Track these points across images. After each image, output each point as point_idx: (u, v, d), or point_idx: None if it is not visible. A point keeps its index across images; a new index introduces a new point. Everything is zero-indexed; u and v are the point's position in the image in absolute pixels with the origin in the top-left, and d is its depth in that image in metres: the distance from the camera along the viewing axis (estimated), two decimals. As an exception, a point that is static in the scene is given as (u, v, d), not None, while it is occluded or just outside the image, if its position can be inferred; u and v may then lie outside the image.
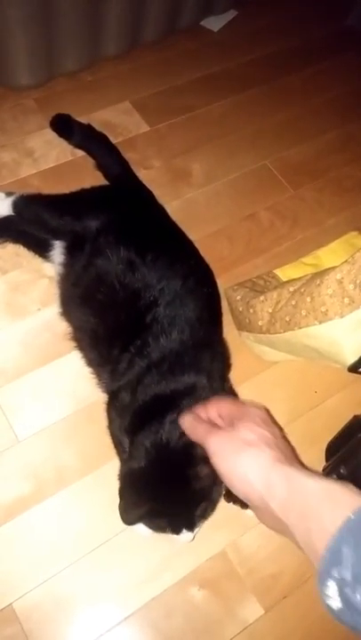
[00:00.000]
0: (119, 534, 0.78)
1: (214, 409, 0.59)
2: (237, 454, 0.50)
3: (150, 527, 0.69)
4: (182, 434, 0.64)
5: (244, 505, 0.75)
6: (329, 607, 0.39)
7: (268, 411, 0.57)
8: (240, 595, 0.78)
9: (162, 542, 0.77)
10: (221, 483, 0.64)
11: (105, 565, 0.77)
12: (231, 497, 0.76)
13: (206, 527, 0.76)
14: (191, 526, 0.68)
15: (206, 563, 0.79)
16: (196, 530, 0.70)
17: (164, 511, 0.67)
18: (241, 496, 0.50)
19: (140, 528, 0.73)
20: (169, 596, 0.77)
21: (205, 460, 0.61)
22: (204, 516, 0.69)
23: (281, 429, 0.61)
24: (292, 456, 0.51)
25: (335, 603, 0.39)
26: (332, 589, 0.39)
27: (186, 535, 0.68)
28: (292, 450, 0.55)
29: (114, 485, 0.71)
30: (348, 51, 1.43)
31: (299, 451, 0.86)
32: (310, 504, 0.43)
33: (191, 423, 0.59)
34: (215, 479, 0.66)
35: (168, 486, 0.67)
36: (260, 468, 0.48)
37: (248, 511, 0.73)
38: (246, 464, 0.49)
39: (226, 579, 0.79)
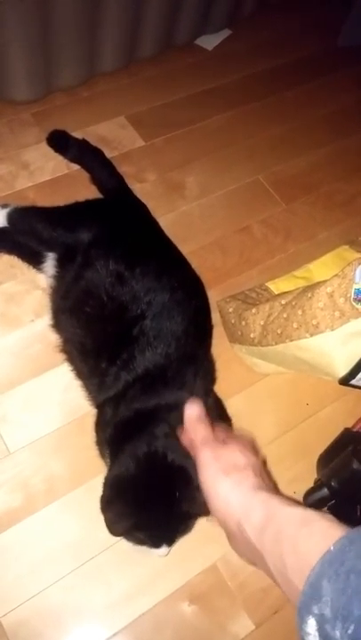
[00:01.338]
0: (109, 548, 0.77)
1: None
2: (223, 476, 0.50)
3: (129, 539, 0.68)
4: (178, 449, 0.63)
5: None
6: None
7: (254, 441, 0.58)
8: (231, 609, 0.77)
9: (151, 557, 0.77)
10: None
11: (94, 580, 0.76)
12: None
13: (197, 541, 0.76)
14: (171, 542, 0.68)
15: (197, 577, 0.78)
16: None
17: (148, 525, 0.66)
18: (218, 517, 0.50)
19: (160, 551, 0.73)
20: (159, 610, 0.76)
21: (190, 480, 0.62)
22: (185, 532, 0.69)
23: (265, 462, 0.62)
24: (273, 487, 0.51)
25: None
26: (311, 626, 0.37)
27: (163, 550, 0.67)
28: (274, 482, 0.55)
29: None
30: (339, 69, 1.46)
31: (291, 463, 0.87)
32: (287, 530, 0.43)
33: (195, 422, 0.57)
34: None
35: (158, 502, 0.66)
36: (242, 493, 0.48)
37: None
38: (229, 487, 0.49)
39: (216, 593, 0.78)
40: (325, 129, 1.33)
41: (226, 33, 1.44)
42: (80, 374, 0.84)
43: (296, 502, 0.47)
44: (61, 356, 0.88)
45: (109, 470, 0.71)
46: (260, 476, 0.50)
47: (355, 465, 0.71)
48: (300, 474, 0.85)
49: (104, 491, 0.68)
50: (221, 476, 0.50)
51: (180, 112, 1.27)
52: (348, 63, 1.47)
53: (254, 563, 0.47)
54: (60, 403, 0.87)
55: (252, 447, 0.55)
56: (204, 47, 1.40)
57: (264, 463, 0.57)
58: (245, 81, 1.37)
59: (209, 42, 1.41)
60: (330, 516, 0.42)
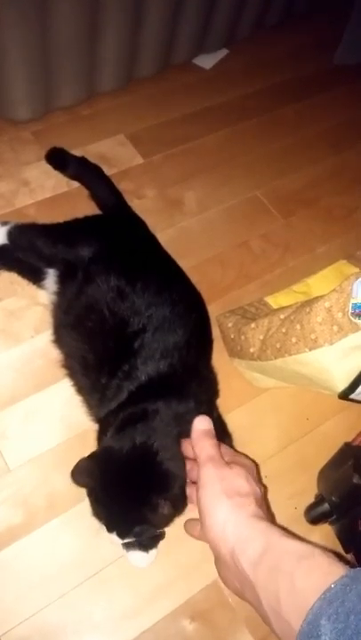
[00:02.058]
0: (110, 564, 0.77)
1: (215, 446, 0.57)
2: (225, 498, 0.48)
3: (91, 507, 0.68)
4: (171, 454, 0.64)
5: None
6: None
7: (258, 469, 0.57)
8: (232, 626, 0.76)
9: (153, 573, 0.77)
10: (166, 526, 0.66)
11: (95, 597, 0.76)
12: None
13: (198, 558, 0.76)
14: (122, 536, 0.66)
15: (198, 594, 0.78)
16: (150, 554, 0.73)
17: (106, 505, 0.66)
18: (210, 540, 0.48)
19: (133, 556, 0.74)
20: (160, 628, 0.75)
21: (175, 500, 0.62)
22: (139, 536, 0.67)
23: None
24: (271, 519, 0.51)
25: None
26: None
27: (115, 538, 0.66)
28: (272, 514, 0.54)
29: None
30: (336, 86, 1.48)
31: (292, 477, 0.87)
32: (285, 565, 0.41)
33: (203, 437, 0.56)
34: (168, 522, 0.65)
35: (126, 490, 0.65)
36: (241, 520, 0.47)
37: None
38: (228, 510, 0.48)
39: (218, 610, 0.77)
40: (323, 145, 1.35)
41: (223, 52, 1.46)
42: (81, 389, 0.84)
43: (296, 536, 0.46)
44: (62, 372, 0.88)
45: (107, 438, 0.71)
46: (261, 505, 0.49)
47: (355, 479, 0.71)
48: (302, 488, 0.85)
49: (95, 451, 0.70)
50: (223, 497, 0.48)
51: (178, 130, 1.28)
52: (344, 81, 1.50)
53: (241, 593, 0.46)
54: (61, 418, 0.87)
55: (255, 474, 0.54)
56: (202, 66, 1.43)
57: (265, 493, 0.55)
58: (243, 99, 1.39)
59: (207, 61, 1.43)
60: (330, 553, 0.41)
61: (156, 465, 0.65)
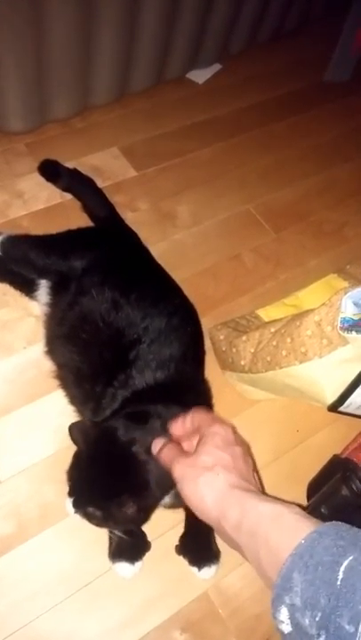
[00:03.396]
0: (102, 575, 0.77)
1: (189, 419, 0.61)
2: (196, 480, 0.52)
3: (69, 466, 0.69)
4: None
5: (192, 561, 0.77)
6: (281, 631, 0.41)
7: (233, 427, 0.59)
8: (223, 637, 0.77)
9: (144, 585, 0.77)
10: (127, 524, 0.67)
11: (86, 609, 0.76)
12: (181, 551, 0.77)
13: (189, 569, 0.77)
14: (77, 506, 0.66)
15: (188, 605, 0.78)
16: (136, 565, 0.74)
17: (83, 472, 0.66)
18: (203, 519, 0.52)
19: (118, 567, 0.74)
20: (151, 639, 0.75)
21: (142, 508, 0.64)
22: (90, 518, 0.66)
23: (248, 446, 0.63)
24: (249, 477, 0.53)
25: (286, 627, 0.40)
26: (283, 614, 0.40)
27: (68, 503, 0.66)
28: (253, 468, 0.57)
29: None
30: (326, 102, 1.51)
31: (283, 489, 0.87)
32: (259, 526, 0.46)
33: (162, 447, 0.61)
34: (125, 524, 0.66)
35: (107, 473, 0.65)
36: (215, 493, 0.51)
37: (200, 572, 0.76)
38: (203, 489, 0.51)
39: (208, 622, 0.78)
40: (313, 160, 1.37)
41: (216, 67, 1.49)
42: (75, 399, 0.85)
43: (270, 496, 0.50)
44: (55, 383, 0.88)
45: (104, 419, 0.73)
46: (232, 470, 0.52)
47: (344, 491, 0.72)
48: (294, 499, 0.83)
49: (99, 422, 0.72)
50: (193, 482, 0.53)
51: (171, 143, 1.30)
52: (334, 97, 1.53)
53: (240, 552, 0.50)
54: (54, 429, 0.87)
55: (224, 440, 0.56)
56: (194, 81, 1.45)
57: (246, 447, 0.58)
58: (235, 114, 1.42)
59: (200, 76, 1.46)
60: (298, 509, 0.46)
61: (142, 469, 0.65)
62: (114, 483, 0.65)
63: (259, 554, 0.45)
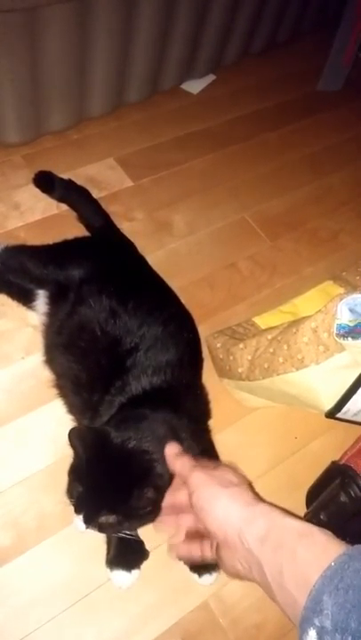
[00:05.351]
0: (101, 586, 0.77)
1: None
2: (220, 491, 0.52)
3: (67, 482, 0.68)
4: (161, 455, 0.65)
5: (192, 568, 0.76)
6: None
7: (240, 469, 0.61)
8: (223, 648, 0.76)
9: (143, 595, 0.77)
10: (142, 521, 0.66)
11: (85, 620, 0.75)
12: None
13: (188, 579, 0.76)
14: (88, 521, 0.65)
15: (189, 615, 0.78)
16: (133, 574, 0.73)
17: (86, 481, 0.66)
18: (217, 529, 0.51)
19: (115, 576, 0.74)
20: (151, 650, 0.75)
21: (153, 479, 0.64)
22: (106, 528, 0.66)
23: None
24: None
25: None
26: (311, 637, 0.40)
27: (79, 523, 0.66)
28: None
29: (96, 536, 0.71)
30: (320, 112, 1.53)
31: (282, 496, 0.87)
32: (286, 541, 0.45)
33: (178, 454, 0.61)
34: (156, 502, 0.65)
35: (112, 474, 0.65)
36: (242, 505, 0.51)
37: (201, 579, 0.76)
38: (227, 501, 0.51)
39: (209, 631, 0.77)
40: (308, 168, 1.38)
41: (210, 78, 1.50)
42: (73, 408, 0.85)
43: (295, 515, 0.50)
44: (53, 393, 0.88)
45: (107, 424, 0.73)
46: (253, 492, 0.53)
47: (342, 498, 0.73)
48: (292, 507, 0.84)
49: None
50: (219, 489, 0.53)
51: (166, 153, 1.31)
52: (327, 107, 1.55)
53: (246, 573, 0.49)
54: (51, 439, 0.87)
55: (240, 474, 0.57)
56: (189, 91, 1.47)
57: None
58: (230, 124, 1.43)
59: (194, 86, 1.47)
60: (327, 531, 0.45)
61: (144, 459, 0.66)
62: (121, 481, 0.65)
63: (282, 567, 0.44)
